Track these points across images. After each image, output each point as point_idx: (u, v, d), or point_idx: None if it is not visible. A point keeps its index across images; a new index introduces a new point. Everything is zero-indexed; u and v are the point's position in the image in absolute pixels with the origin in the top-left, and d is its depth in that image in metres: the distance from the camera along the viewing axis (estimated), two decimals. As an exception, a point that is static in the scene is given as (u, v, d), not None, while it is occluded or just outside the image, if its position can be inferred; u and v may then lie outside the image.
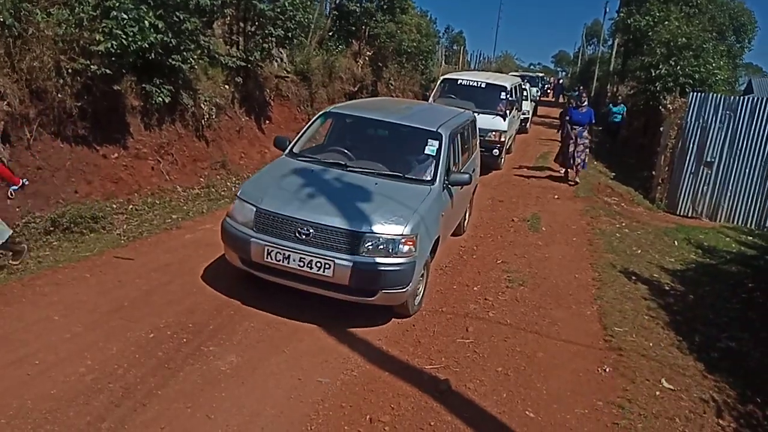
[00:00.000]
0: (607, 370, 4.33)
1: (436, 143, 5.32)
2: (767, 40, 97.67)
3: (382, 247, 4.25)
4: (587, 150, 11.24)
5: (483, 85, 11.71)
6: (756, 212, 10.12)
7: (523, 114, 16.38)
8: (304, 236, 4.25)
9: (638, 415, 3.79)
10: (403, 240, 4.28)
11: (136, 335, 4.05)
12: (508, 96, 11.50)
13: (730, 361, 4.67)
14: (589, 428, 3.64)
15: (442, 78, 12.65)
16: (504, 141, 11.14)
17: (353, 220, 4.29)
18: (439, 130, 5.43)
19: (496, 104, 11.27)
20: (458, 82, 11.88)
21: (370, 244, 4.23)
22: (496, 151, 10.95)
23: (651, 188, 11.32)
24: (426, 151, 5.29)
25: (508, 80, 13.08)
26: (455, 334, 4.63)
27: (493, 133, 10.84)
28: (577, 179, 11.18)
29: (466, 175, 5.51)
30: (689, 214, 10.46)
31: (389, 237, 4.26)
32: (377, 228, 4.27)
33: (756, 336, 5.17)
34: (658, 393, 4.10)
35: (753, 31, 26.47)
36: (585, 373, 4.28)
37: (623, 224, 8.67)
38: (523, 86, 16.67)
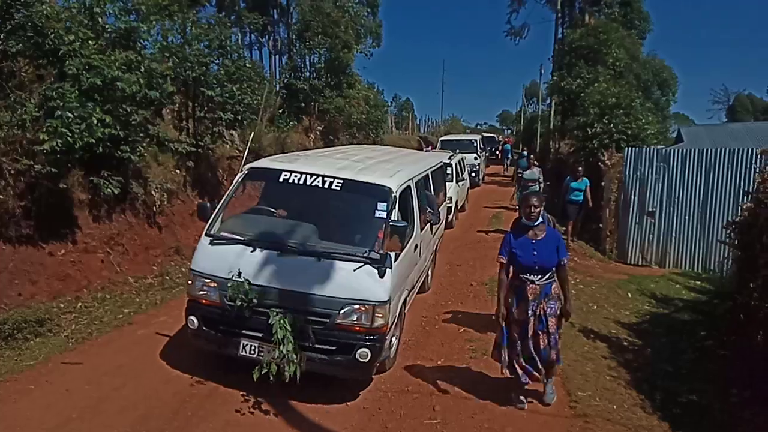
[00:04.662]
0: (576, 438, 4.32)
1: None
2: (689, 91, 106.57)
3: None
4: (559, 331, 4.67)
5: (337, 186, 4.96)
6: (700, 256, 10.59)
7: (447, 202, 10.17)
8: None
9: (610, 485, 3.77)
10: None
11: (85, 452, 3.79)
12: (393, 209, 4.93)
13: (693, 417, 4.74)
14: (564, 505, 3.58)
15: (247, 169, 5.38)
16: (385, 324, 4.55)
17: None
18: None
19: (368, 234, 4.79)
20: (281, 179, 5.09)
21: None
22: (365, 353, 4.44)
23: (600, 240, 11.74)
24: None
25: (405, 165, 6.22)
26: (422, 414, 4.54)
27: (358, 307, 4.46)
28: (547, 400, 4.80)
29: None
30: (639, 263, 10.86)
31: None
32: None
33: (714, 386, 5.29)
34: (627, 458, 4.10)
35: (675, 84, 28.76)
36: (554, 443, 4.25)
37: (578, 280, 8.88)
38: (449, 161, 11.72)
